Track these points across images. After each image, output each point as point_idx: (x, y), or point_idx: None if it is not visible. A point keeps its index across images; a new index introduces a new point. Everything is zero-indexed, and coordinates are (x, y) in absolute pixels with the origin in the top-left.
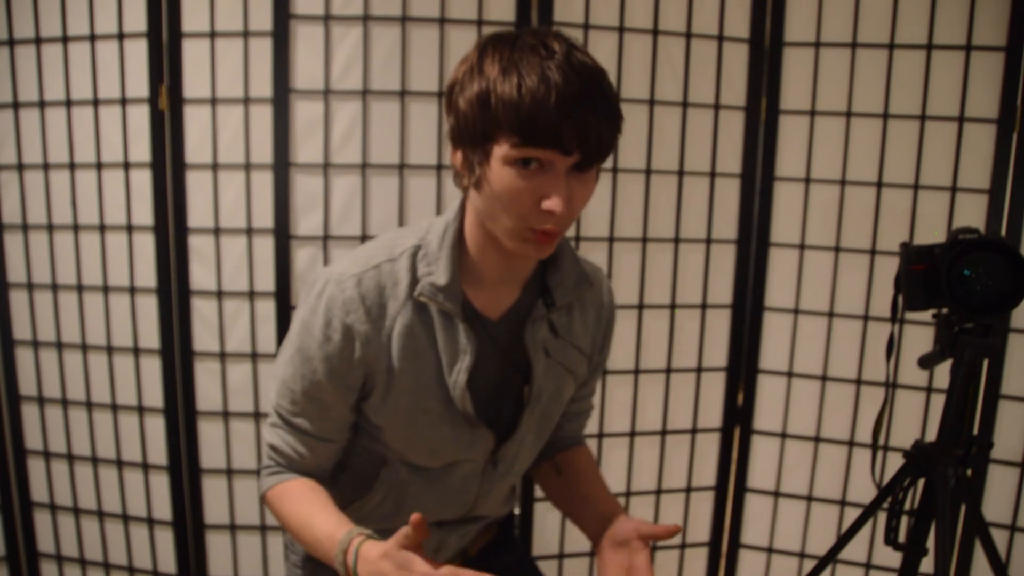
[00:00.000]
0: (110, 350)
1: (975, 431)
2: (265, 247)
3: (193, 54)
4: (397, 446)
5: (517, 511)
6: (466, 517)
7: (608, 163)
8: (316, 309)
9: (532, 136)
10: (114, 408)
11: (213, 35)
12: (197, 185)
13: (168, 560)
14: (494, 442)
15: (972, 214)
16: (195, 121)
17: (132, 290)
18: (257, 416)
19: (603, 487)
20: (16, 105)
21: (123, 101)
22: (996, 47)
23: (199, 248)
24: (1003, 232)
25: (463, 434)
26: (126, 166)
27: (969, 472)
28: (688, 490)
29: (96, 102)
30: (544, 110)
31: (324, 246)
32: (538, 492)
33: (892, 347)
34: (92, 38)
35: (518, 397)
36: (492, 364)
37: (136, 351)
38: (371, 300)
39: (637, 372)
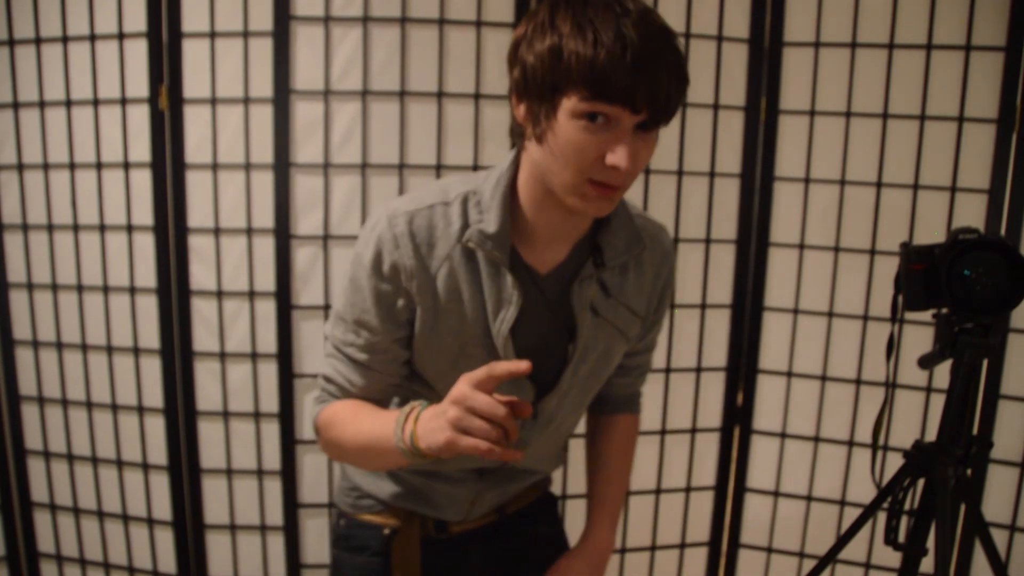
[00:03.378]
0: (110, 350)
1: (975, 431)
2: (265, 247)
3: (193, 54)
4: (441, 389)
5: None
6: (506, 468)
7: None
8: (368, 242)
9: (603, 91)
10: (114, 408)
11: (213, 35)
12: (197, 185)
13: (168, 560)
14: (534, 394)
15: (972, 214)
16: (195, 121)
17: (132, 290)
18: (257, 416)
19: (607, 477)
20: (16, 105)
21: (123, 101)
22: (996, 47)
23: (199, 248)
24: (1003, 232)
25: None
26: (126, 166)
27: (969, 472)
28: (688, 490)
29: (96, 102)
30: (619, 66)
31: (324, 245)
32: None
33: (892, 347)
34: (92, 38)
35: (563, 352)
36: (538, 317)
37: (136, 351)
38: (421, 238)
39: None
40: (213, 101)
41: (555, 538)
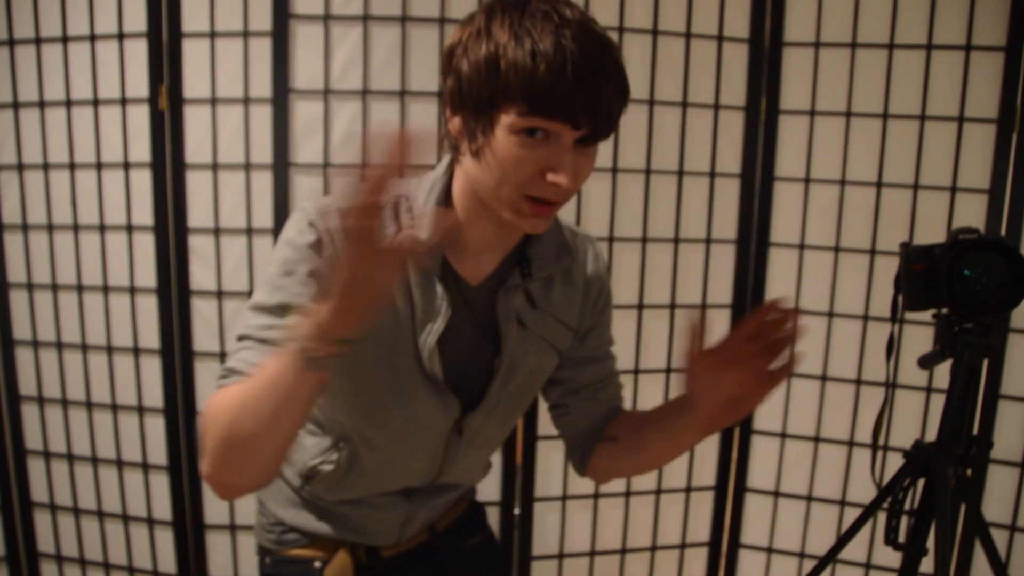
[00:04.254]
0: (110, 350)
1: (975, 431)
2: (265, 247)
3: (193, 54)
4: (363, 404)
5: (517, 511)
6: (434, 485)
7: (608, 162)
8: (303, 230)
9: (543, 106)
10: (114, 408)
11: (213, 35)
12: (197, 185)
13: (168, 560)
14: (459, 410)
15: (972, 214)
16: (195, 121)
17: (132, 290)
18: None
19: (662, 412)
20: (16, 105)
21: (123, 101)
22: (996, 47)
23: (199, 248)
24: (1003, 232)
25: (429, 399)
26: (126, 166)
27: (969, 472)
28: (688, 490)
29: (96, 102)
30: (559, 80)
31: None
32: (538, 491)
33: (892, 347)
34: (92, 38)
35: (489, 366)
36: (466, 329)
37: (136, 351)
38: None
39: (637, 372)
40: (213, 101)
41: (487, 548)
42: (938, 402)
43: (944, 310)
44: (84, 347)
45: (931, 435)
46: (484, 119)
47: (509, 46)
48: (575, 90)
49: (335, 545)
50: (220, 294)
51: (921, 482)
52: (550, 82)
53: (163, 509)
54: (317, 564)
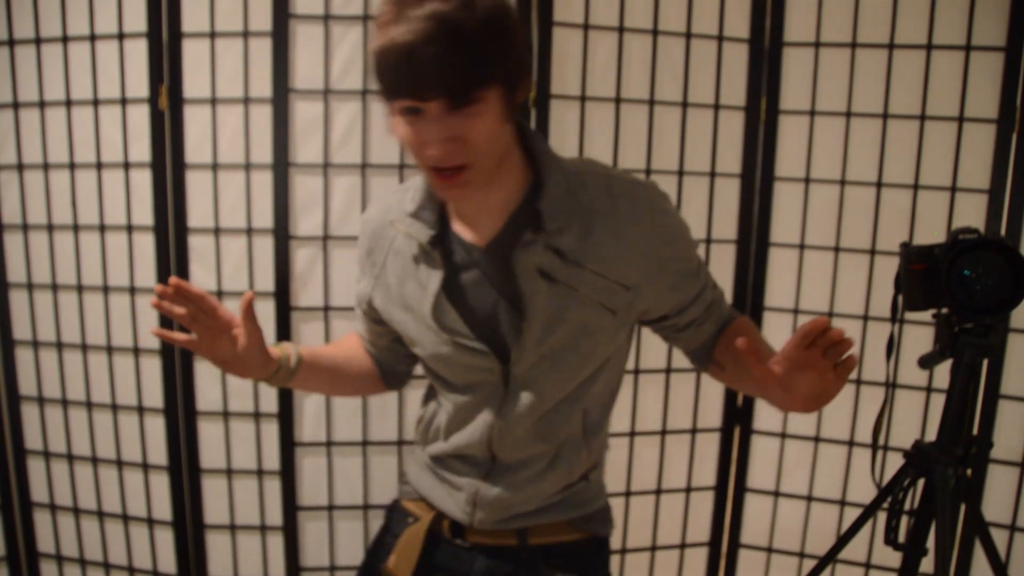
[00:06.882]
0: (110, 350)
1: (975, 431)
2: (265, 247)
3: (193, 54)
4: (420, 356)
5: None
6: (497, 463)
7: (608, 162)
8: (360, 243)
9: (391, 88)
10: (114, 408)
11: (213, 35)
12: (197, 185)
13: (168, 560)
14: (497, 362)
15: (972, 214)
16: (195, 121)
17: (132, 290)
18: (257, 416)
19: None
20: (16, 105)
21: (123, 101)
22: (996, 47)
23: (199, 248)
24: (1003, 232)
25: (460, 350)
26: (126, 166)
27: (969, 472)
28: (688, 490)
29: (96, 102)
30: (387, 61)
31: (324, 246)
32: None
33: (892, 347)
34: (92, 38)
35: (517, 323)
36: (482, 289)
37: (136, 351)
38: (373, 225)
39: (637, 372)
40: (213, 101)
41: None
42: (938, 402)
43: (944, 310)
44: (84, 347)
45: (931, 435)
46: (387, 106)
47: (375, 39)
48: (412, 67)
49: (428, 510)
50: (220, 294)
51: (921, 482)
52: (386, 66)
53: (163, 509)
54: (410, 520)
